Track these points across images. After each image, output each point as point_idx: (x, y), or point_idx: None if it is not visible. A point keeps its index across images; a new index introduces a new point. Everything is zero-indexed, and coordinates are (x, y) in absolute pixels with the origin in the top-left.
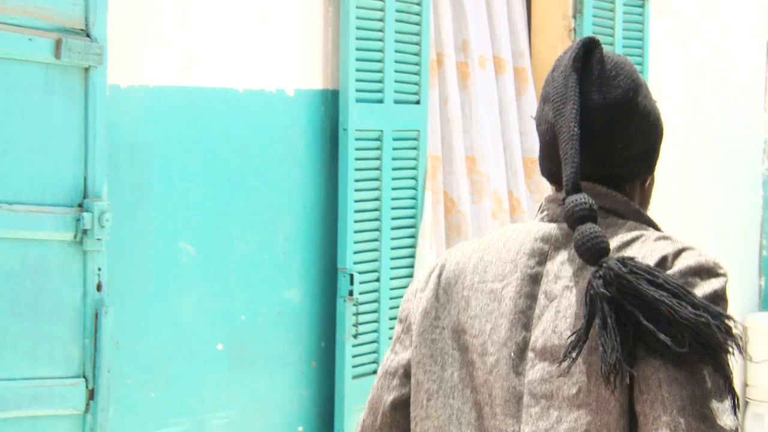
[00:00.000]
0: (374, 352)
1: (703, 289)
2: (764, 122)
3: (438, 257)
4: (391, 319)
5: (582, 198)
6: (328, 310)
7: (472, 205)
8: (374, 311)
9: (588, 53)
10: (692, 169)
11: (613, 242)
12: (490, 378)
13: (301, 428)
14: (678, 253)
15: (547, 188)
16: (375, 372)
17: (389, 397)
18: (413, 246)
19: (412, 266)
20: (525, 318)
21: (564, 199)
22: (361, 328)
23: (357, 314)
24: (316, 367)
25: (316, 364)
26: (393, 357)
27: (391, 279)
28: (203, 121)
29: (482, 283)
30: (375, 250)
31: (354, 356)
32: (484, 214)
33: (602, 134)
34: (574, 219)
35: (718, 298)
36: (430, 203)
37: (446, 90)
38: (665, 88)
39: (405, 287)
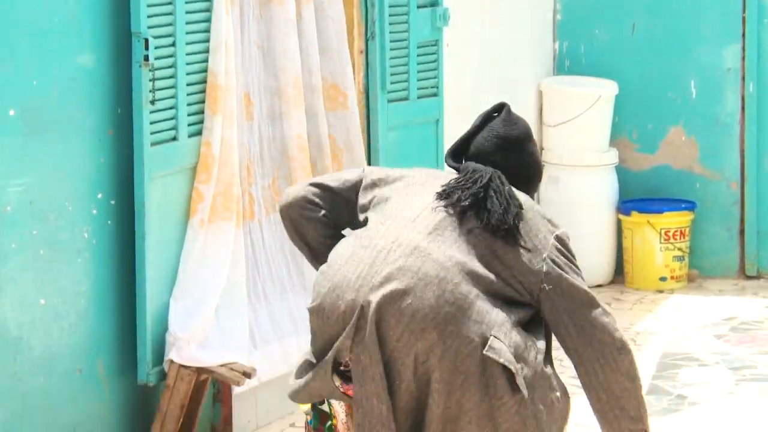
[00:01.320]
0: (172, 118)
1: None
2: None
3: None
4: (188, 84)
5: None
6: (123, 76)
7: None
8: (171, 77)
9: (500, 109)
10: None
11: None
12: (427, 214)
13: (100, 195)
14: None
15: None
16: (174, 138)
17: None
18: (209, 10)
19: (208, 30)
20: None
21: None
22: (158, 94)
23: (153, 80)
24: (114, 134)
25: (114, 131)
26: (345, 173)
27: (188, 44)
28: None
29: (422, 180)
30: (170, 14)
31: (152, 123)
32: None
33: (498, 154)
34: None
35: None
36: None
37: None
38: None
39: (203, 52)
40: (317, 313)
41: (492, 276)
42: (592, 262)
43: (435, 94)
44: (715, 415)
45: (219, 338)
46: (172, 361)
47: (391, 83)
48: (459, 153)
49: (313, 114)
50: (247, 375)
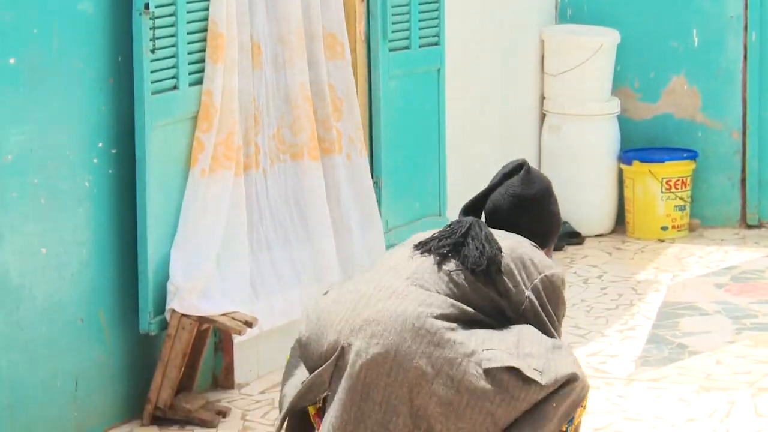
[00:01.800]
0: (173, 67)
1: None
2: None
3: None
4: (189, 33)
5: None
6: (124, 24)
7: None
8: (171, 25)
9: (520, 168)
10: None
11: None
12: (405, 261)
13: (101, 144)
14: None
15: None
16: (175, 87)
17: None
18: None
19: None
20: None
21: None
22: (159, 43)
23: (154, 28)
24: (114, 83)
25: (114, 79)
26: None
27: None
28: None
29: (410, 242)
30: None
31: (152, 71)
32: None
33: (513, 211)
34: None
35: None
36: None
37: None
38: None
39: (203, 0)
40: (303, 347)
41: (471, 310)
42: (593, 212)
43: (437, 43)
44: (715, 364)
45: (220, 288)
46: (173, 311)
47: (393, 32)
48: (477, 208)
49: (314, 62)
50: (249, 324)
